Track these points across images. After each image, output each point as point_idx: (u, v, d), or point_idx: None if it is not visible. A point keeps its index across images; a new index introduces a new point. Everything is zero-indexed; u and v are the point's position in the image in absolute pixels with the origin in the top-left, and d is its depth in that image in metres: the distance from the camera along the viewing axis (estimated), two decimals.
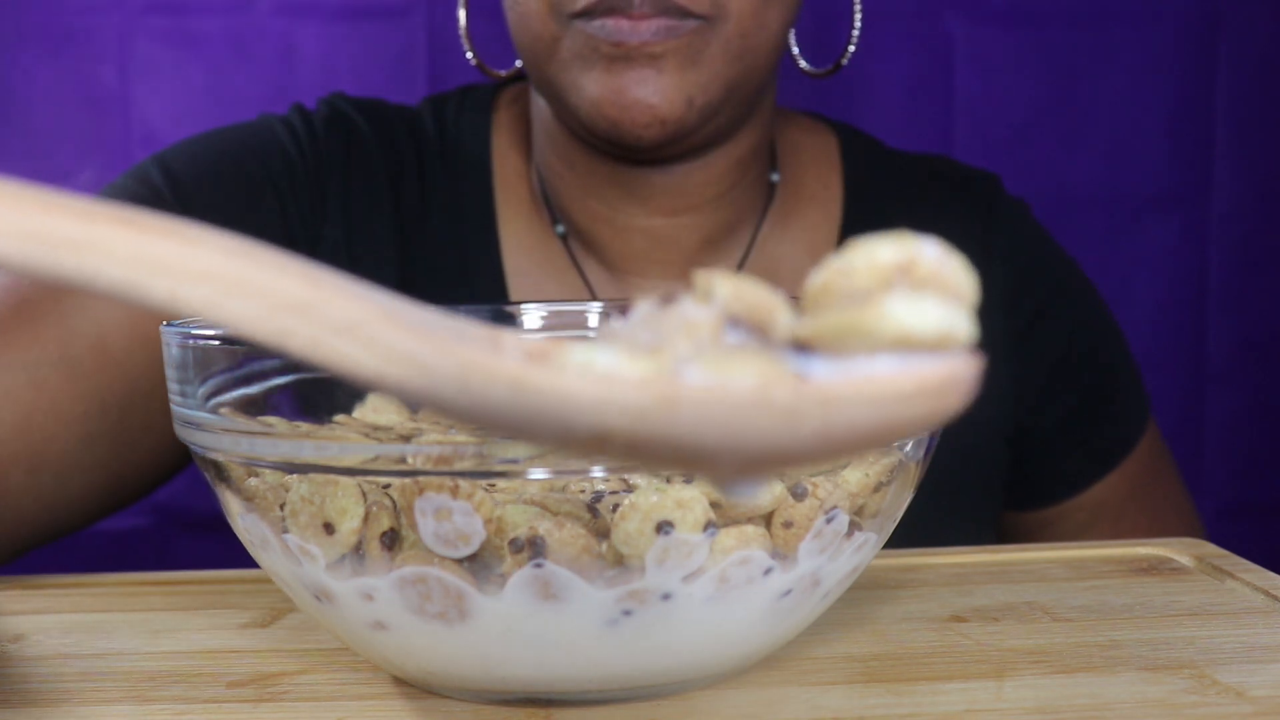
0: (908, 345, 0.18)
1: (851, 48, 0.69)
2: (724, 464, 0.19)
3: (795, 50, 0.70)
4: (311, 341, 0.19)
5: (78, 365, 0.61)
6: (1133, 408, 0.76)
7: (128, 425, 0.63)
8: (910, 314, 0.19)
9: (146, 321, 0.63)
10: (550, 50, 0.64)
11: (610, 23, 0.61)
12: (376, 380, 0.19)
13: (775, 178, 0.73)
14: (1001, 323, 0.72)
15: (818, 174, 0.74)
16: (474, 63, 0.73)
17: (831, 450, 0.18)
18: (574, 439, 0.18)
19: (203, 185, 0.67)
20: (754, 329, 0.20)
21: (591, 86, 0.63)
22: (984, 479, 0.72)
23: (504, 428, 0.19)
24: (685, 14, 0.61)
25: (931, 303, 0.19)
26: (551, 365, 0.19)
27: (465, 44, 0.72)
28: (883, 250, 0.20)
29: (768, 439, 0.18)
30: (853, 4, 0.69)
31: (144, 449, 0.64)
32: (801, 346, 0.19)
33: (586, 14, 0.61)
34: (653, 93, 0.61)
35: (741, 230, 0.72)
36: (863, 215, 0.73)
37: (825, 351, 0.19)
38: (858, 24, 0.69)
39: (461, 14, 0.73)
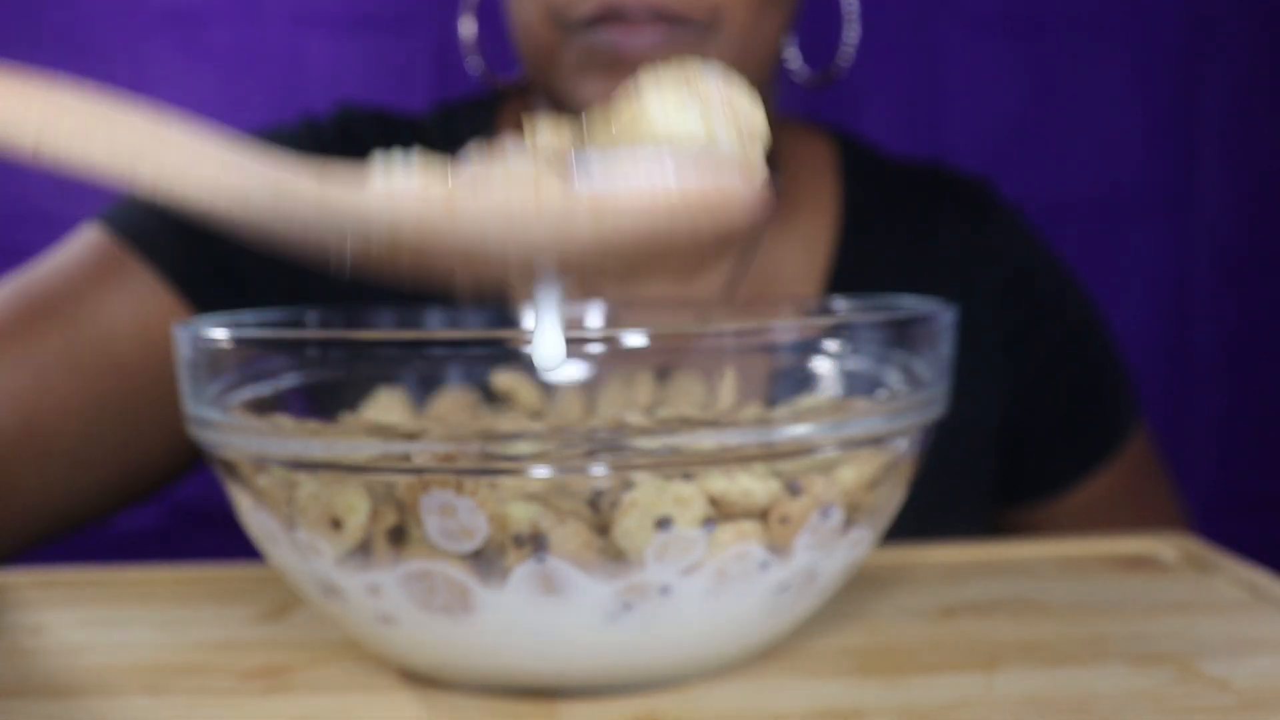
0: (670, 145, 0.20)
1: (850, 50, 0.69)
2: (510, 263, 0.21)
3: (792, 59, 0.70)
4: (157, 177, 0.23)
5: (81, 364, 0.62)
6: (1122, 409, 0.77)
7: (134, 423, 0.64)
8: (668, 113, 0.20)
9: (151, 323, 0.64)
10: (551, 58, 0.64)
11: (608, 32, 0.61)
12: (210, 208, 0.23)
13: (774, 184, 0.73)
14: (994, 325, 0.73)
15: (815, 181, 0.75)
16: (479, 71, 0.74)
17: (610, 251, 0.21)
18: (373, 243, 0.21)
19: None
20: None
21: (590, 95, 0.63)
22: (976, 477, 0.73)
23: (319, 238, 0.22)
24: (683, 21, 0.61)
25: (693, 108, 0.20)
26: (353, 184, 0.22)
27: (472, 54, 0.73)
28: (667, 75, 0.22)
29: (546, 240, 0.20)
30: (846, 16, 0.69)
31: (152, 446, 0.65)
32: (586, 162, 0.21)
33: (586, 23, 0.62)
34: None
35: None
36: (859, 220, 0.73)
37: (605, 165, 0.20)
38: (855, 35, 0.69)
39: (467, 24, 0.73)
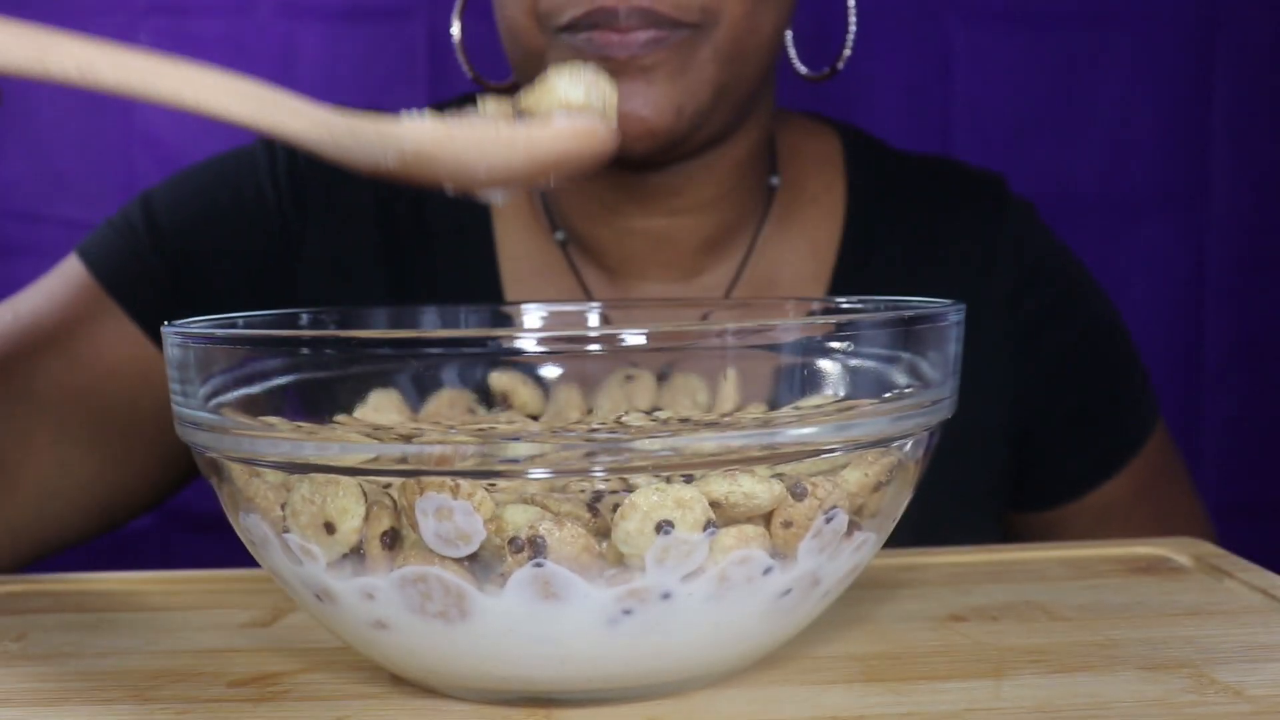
0: (570, 108, 0.36)
1: (847, 51, 0.68)
2: (480, 171, 0.35)
3: (792, 53, 0.69)
4: (274, 120, 0.35)
5: (43, 400, 0.64)
6: (1139, 410, 0.75)
7: (106, 453, 0.66)
8: (567, 88, 0.36)
9: (125, 366, 0.66)
10: (539, 63, 0.63)
11: (597, 36, 0.60)
12: (303, 136, 0.35)
13: (775, 180, 0.72)
14: (1004, 323, 0.72)
15: (820, 176, 0.74)
16: (469, 75, 0.73)
17: (537, 164, 0.36)
18: (407, 156, 0.35)
19: (176, 227, 0.69)
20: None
21: None
22: (985, 480, 0.72)
23: (371, 156, 0.35)
24: (673, 24, 0.60)
25: (580, 86, 0.36)
26: (395, 123, 0.36)
27: (461, 58, 0.71)
28: (560, 70, 0.37)
29: (500, 154, 0.35)
30: (848, 8, 0.68)
31: (130, 472, 0.68)
32: (520, 115, 0.36)
33: (572, 28, 0.60)
34: (642, 105, 0.60)
35: (741, 232, 0.71)
36: (865, 217, 0.72)
37: (533, 114, 0.36)
38: (853, 28, 0.68)
39: (456, 27, 0.73)
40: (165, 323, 0.65)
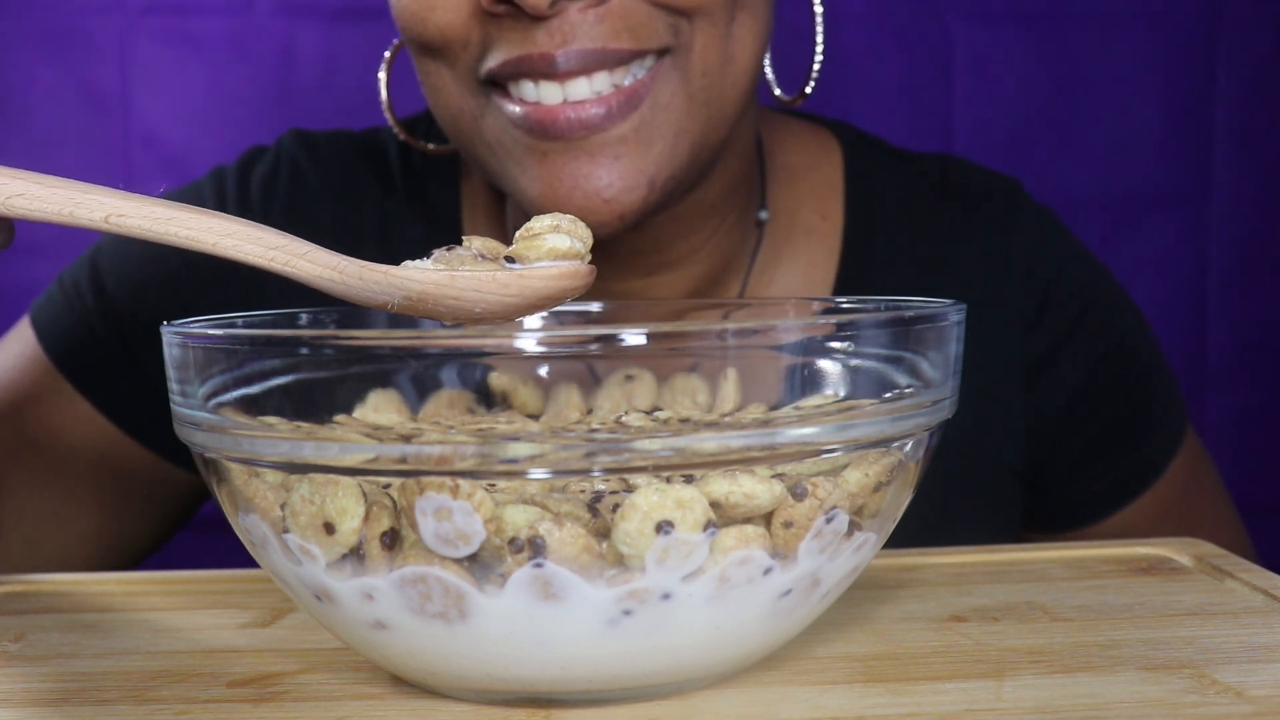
0: (556, 255, 0.38)
1: (815, 70, 0.61)
2: (477, 310, 0.38)
3: (770, 76, 0.63)
4: (286, 263, 0.37)
5: (31, 456, 0.64)
6: (1163, 429, 0.70)
7: (72, 527, 0.65)
8: (554, 239, 0.38)
9: (75, 438, 0.65)
10: (474, 130, 0.56)
11: (534, 111, 0.52)
12: (315, 280, 0.38)
13: (764, 215, 0.66)
14: (1017, 353, 0.66)
15: (815, 204, 0.67)
16: (401, 138, 0.66)
17: (528, 302, 0.38)
18: (411, 298, 0.38)
19: (125, 291, 0.66)
20: (491, 257, 0.39)
21: (531, 184, 0.54)
22: (996, 515, 0.68)
23: (378, 297, 0.38)
24: (635, 57, 0.52)
25: (566, 237, 0.38)
26: (400, 269, 0.38)
27: (390, 118, 0.64)
28: (543, 221, 0.39)
29: (496, 295, 0.38)
30: (815, 29, 0.61)
31: (105, 544, 0.67)
32: (510, 259, 0.39)
33: (499, 81, 0.53)
34: (606, 184, 0.52)
35: (730, 275, 0.65)
36: (863, 246, 0.67)
37: (522, 260, 0.38)
38: (819, 55, 0.61)
39: (383, 83, 0.64)
40: (116, 397, 0.65)
